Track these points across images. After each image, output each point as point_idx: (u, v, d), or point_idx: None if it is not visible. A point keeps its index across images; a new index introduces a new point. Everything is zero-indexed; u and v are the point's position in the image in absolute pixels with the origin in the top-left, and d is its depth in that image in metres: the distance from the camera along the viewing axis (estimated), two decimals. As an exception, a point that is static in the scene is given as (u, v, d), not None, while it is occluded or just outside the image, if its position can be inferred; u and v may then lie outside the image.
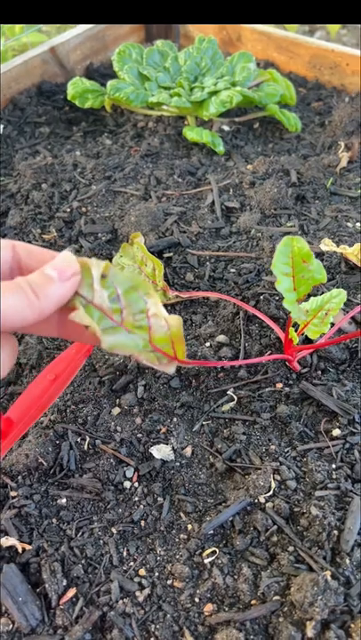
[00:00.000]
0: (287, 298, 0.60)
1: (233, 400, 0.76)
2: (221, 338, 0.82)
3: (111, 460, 0.70)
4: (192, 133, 1.16)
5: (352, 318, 0.81)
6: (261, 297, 0.85)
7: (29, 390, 0.56)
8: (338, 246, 0.89)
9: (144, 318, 0.51)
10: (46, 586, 0.61)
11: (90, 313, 0.48)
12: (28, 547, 0.64)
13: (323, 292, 0.81)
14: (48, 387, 0.56)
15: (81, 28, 1.45)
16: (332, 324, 0.77)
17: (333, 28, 2.52)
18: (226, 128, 1.26)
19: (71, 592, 0.61)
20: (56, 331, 0.55)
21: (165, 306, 0.87)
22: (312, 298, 0.70)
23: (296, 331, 0.72)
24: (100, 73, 1.43)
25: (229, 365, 0.79)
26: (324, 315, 0.68)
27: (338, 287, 0.86)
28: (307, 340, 0.79)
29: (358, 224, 0.98)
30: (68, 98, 1.24)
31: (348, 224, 0.98)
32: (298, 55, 1.48)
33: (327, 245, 0.90)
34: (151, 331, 0.52)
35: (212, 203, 1.03)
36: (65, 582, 0.61)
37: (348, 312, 0.78)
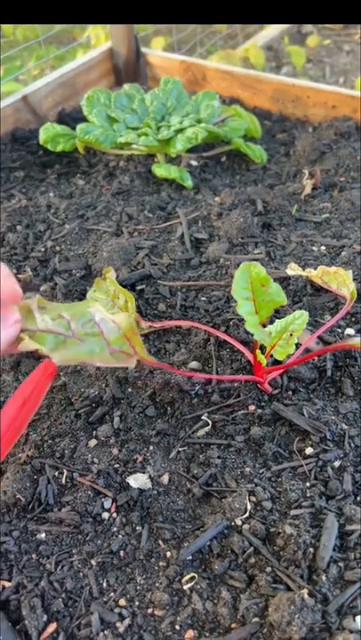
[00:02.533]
0: (249, 321, 0.63)
1: (208, 425, 0.77)
2: (194, 364, 0.84)
3: (89, 492, 0.71)
4: (160, 170, 1.21)
5: (319, 338, 0.83)
6: (231, 322, 0.87)
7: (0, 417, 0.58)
8: (304, 270, 0.92)
9: (93, 325, 0.55)
10: (26, 622, 0.61)
11: (40, 339, 0.51)
12: (7, 584, 0.64)
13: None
14: (18, 411, 0.58)
15: (52, 77, 1.51)
16: (299, 345, 0.79)
17: (299, 62, 2.64)
18: (194, 163, 1.31)
19: (52, 627, 0.61)
20: None
21: (139, 337, 0.89)
22: (276, 320, 0.73)
23: (264, 353, 0.74)
24: (72, 117, 1.49)
25: (203, 391, 0.81)
26: (288, 336, 0.70)
27: (305, 309, 0.89)
28: (276, 362, 0.81)
29: (323, 248, 1.02)
30: (41, 142, 1.29)
31: (314, 248, 1.02)
32: (261, 91, 1.55)
33: (293, 270, 0.93)
34: (104, 334, 0.55)
35: (182, 235, 1.07)
36: (45, 617, 0.61)
37: (315, 332, 0.80)
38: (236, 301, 0.91)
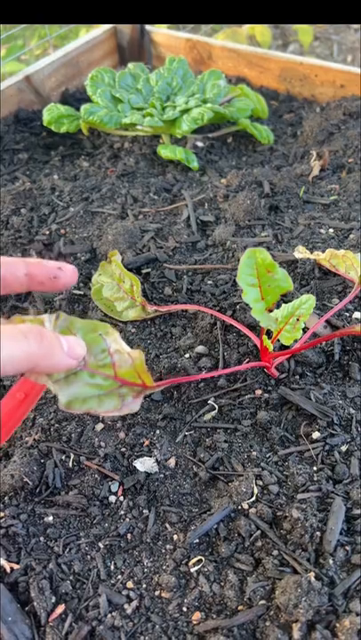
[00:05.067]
0: (255, 308, 0.62)
1: (214, 409, 0.77)
2: (200, 348, 0.83)
3: (96, 476, 0.71)
4: (166, 151, 1.19)
5: (327, 322, 0.83)
6: (238, 306, 0.86)
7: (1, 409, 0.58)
8: (312, 253, 0.91)
9: (107, 357, 0.54)
10: (35, 604, 0.61)
11: None
12: (16, 566, 0.64)
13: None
14: (18, 406, 0.57)
15: (55, 56, 1.48)
16: (307, 329, 0.78)
17: (306, 40, 2.58)
18: (200, 144, 1.29)
19: (60, 608, 0.61)
20: None
21: (145, 320, 0.89)
22: (283, 305, 0.72)
23: (271, 338, 0.73)
24: (76, 98, 1.47)
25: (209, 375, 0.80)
26: (295, 321, 0.70)
27: (312, 293, 0.88)
28: (283, 347, 0.80)
29: (331, 230, 1.00)
30: (44, 124, 1.27)
31: (322, 230, 1.01)
32: (268, 69, 1.52)
33: (301, 253, 0.92)
34: (116, 367, 0.54)
35: (188, 217, 1.05)
36: (53, 599, 0.62)
37: (322, 317, 0.79)
38: (242, 285, 0.91)
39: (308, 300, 0.69)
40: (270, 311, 0.73)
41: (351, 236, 0.98)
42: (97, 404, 0.54)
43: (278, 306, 0.78)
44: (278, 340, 0.76)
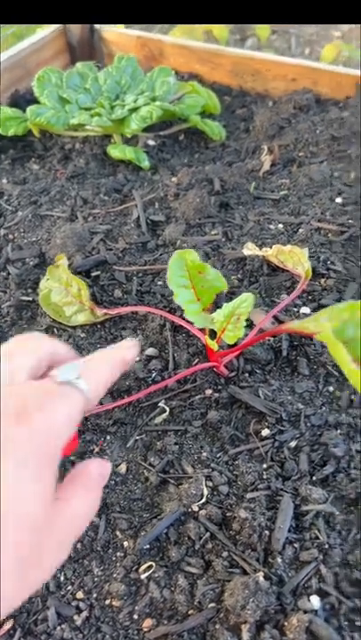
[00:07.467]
0: (188, 309, 0.61)
1: (165, 411, 0.77)
2: (150, 351, 0.83)
3: (45, 486, 0.70)
4: (115, 151, 1.18)
5: (274, 317, 0.83)
6: (186, 306, 0.86)
7: None
8: (261, 249, 0.91)
9: None
10: (-19, 621, 0.60)
11: None
12: None
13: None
14: None
15: (2, 57, 1.45)
16: (253, 325, 0.78)
17: (263, 34, 2.58)
18: (151, 143, 1.27)
19: (8, 624, 0.60)
20: None
21: (94, 324, 0.88)
22: (224, 304, 0.71)
23: (215, 338, 0.73)
24: (26, 99, 1.44)
25: (160, 378, 0.80)
26: (236, 319, 0.69)
27: (261, 289, 0.88)
28: (233, 344, 0.80)
29: (281, 225, 1.00)
30: (-9, 127, 1.24)
31: (271, 226, 1.00)
32: (220, 65, 1.51)
33: (250, 249, 0.91)
34: None
35: (138, 218, 1.04)
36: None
37: (269, 312, 0.79)
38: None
39: (247, 299, 0.69)
40: (215, 310, 0.73)
41: (300, 230, 0.98)
42: None
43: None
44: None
